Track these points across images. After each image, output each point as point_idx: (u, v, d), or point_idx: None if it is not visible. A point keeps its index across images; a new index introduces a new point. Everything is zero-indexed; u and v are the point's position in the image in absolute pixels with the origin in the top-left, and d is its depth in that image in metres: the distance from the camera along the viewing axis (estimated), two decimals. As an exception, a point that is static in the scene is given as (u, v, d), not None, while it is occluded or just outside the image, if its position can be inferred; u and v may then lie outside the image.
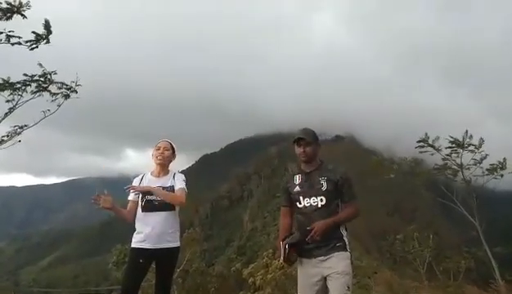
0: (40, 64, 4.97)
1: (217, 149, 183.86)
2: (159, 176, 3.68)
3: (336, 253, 3.03)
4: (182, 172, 3.83)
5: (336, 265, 2.99)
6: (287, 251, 2.97)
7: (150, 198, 3.54)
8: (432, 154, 9.39)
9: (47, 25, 4.81)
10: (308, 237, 2.94)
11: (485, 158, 8.90)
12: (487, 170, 9.02)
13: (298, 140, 3.16)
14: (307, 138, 3.16)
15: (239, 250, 69.95)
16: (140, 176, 3.75)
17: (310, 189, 3.12)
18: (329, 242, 3.04)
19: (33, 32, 4.80)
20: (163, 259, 3.54)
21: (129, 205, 3.66)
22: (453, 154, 9.12)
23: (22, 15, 4.62)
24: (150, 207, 3.53)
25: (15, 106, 5.03)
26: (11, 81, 4.94)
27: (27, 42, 4.81)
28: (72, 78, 5.20)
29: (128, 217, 3.62)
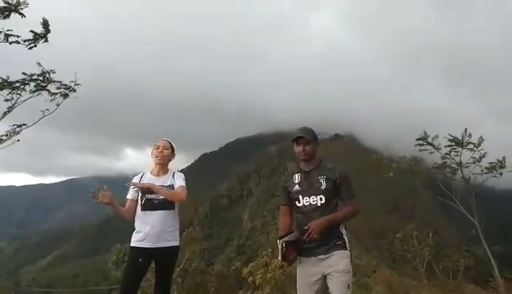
0: (39, 64, 4.96)
1: (217, 148, 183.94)
2: (158, 175, 3.67)
3: (336, 252, 3.02)
4: (182, 171, 3.83)
5: (336, 264, 2.99)
6: (284, 249, 2.96)
7: (150, 196, 3.53)
8: (431, 153, 9.40)
9: (45, 24, 4.80)
10: (305, 236, 2.94)
11: (484, 156, 8.91)
12: (487, 168, 9.04)
13: (298, 139, 3.16)
14: (307, 136, 3.16)
15: (238, 249, 70.07)
16: (139, 175, 3.74)
17: (309, 188, 3.12)
18: (329, 241, 3.03)
19: (32, 31, 4.79)
20: (162, 258, 3.54)
21: (128, 203, 3.65)
22: (452, 153, 9.13)
23: (20, 13, 4.60)
24: (149, 205, 3.52)
25: (13, 105, 5.02)
26: (9, 80, 4.93)
27: (25, 41, 4.79)
28: (71, 78, 5.20)
29: (126, 215, 3.61)
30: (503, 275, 8.64)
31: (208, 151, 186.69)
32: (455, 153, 9.09)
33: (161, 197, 3.53)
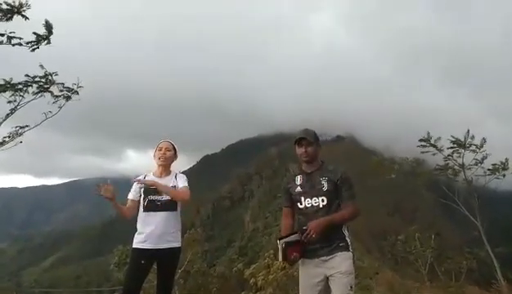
0: (41, 66, 4.96)
1: (218, 150, 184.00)
2: (160, 177, 3.67)
3: (339, 253, 3.02)
4: (183, 173, 3.83)
5: (339, 265, 2.98)
6: (284, 249, 2.95)
7: (152, 198, 3.54)
8: (433, 154, 9.37)
9: (47, 26, 4.81)
10: (303, 236, 2.93)
11: (486, 157, 8.88)
12: (489, 170, 9.01)
13: (300, 141, 3.16)
14: (309, 138, 3.16)
15: (240, 250, 69.93)
16: (142, 176, 3.75)
17: (311, 190, 3.12)
18: (331, 243, 3.03)
19: (34, 32, 4.80)
20: (164, 259, 3.54)
21: (128, 203, 3.66)
22: (455, 154, 9.10)
23: (23, 15, 4.61)
24: (152, 207, 3.53)
25: (16, 107, 5.03)
26: (12, 82, 4.94)
27: (28, 42, 4.80)
28: (72, 79, 5.18)
29: (126, 213, 3.62)
30: (506, 277, 8.60)
31: (209, 153, 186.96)
32: (458, 155, 9.07)
33: (164, 198, 3.54)
